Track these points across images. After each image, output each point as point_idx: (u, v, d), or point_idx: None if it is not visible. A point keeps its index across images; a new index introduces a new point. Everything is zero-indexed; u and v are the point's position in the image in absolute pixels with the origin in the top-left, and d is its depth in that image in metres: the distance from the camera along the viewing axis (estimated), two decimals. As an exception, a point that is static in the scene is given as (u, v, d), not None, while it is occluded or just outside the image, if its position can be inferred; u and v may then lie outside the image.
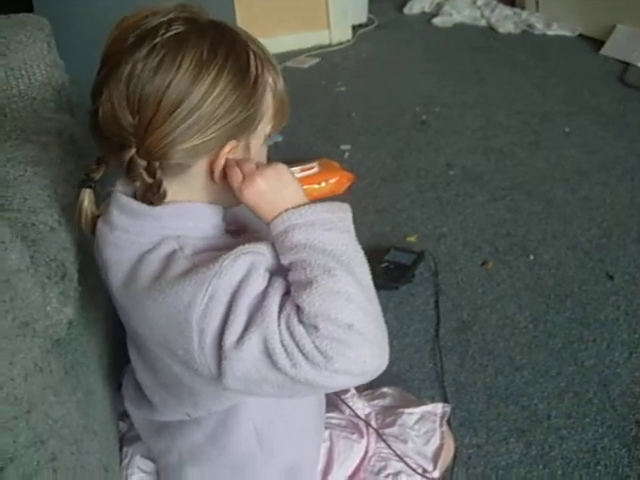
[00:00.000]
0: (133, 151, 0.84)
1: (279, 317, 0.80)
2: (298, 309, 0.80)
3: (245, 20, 2.86)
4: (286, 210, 0.85)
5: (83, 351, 1.06)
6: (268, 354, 0.79)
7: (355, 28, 4.12)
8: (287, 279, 0.85)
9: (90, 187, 0.95)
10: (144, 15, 0.85)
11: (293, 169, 2.38)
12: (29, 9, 2.61)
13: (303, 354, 0.78)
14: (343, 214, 0.88)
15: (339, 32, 4.03)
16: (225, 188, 0.89)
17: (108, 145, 0.87)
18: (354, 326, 0.79)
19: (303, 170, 2.43)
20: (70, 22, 2.53)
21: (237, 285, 0.82)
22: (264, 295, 0.82)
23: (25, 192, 1.03)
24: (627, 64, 3.33)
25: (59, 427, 0.87)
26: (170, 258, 0.86)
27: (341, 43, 4.01)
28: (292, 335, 0.78)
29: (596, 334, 1.76)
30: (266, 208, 0.87)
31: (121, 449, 1.17)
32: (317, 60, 3.80)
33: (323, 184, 2.43)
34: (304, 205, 0.86)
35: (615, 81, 3.21)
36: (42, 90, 1.45)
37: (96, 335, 1.16)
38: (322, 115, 3.13)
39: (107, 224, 0.92)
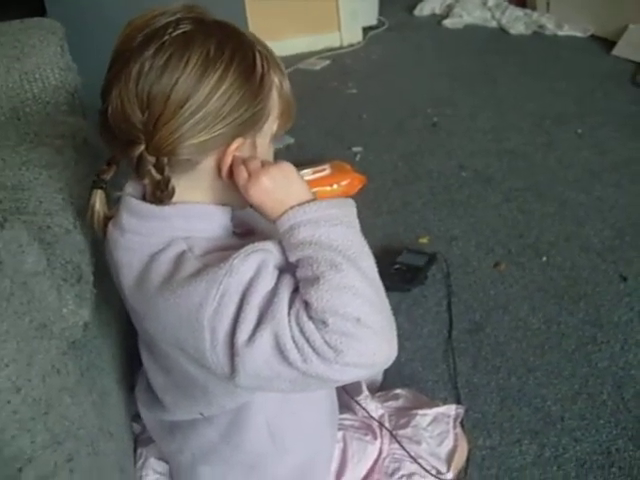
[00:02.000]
0: (142, 147, 0.86)
1: (289, 313, 0.81)
2: (307, 305, 0.81)
3: (256, 23, 2.86)
4: (291, 207, 0.86)
5: (98, 353, 1.07)
6: (279, 350, 0.80)
7: (365, 30, 4.11)
8: (295, 276, 0.85)
9: (101, 188, 0.96)
10: (152, 15, 0.87)
11: (305, 171, 2.38)
12: (42, 13, 2.62)
13: (313, 349, 0.79)
14: (347, 209, 0.89)
15: (350, 34, 4.02)
16: (232, 187, 0.89)
17: (118, 143, 0.88)
18: (362, 319, 0.80)
19: (315, 172, 2.42)
20: (82, 25, 2.54)
21: (248, 283, 0.83)
22: (274, 292, 0.83)
23: (40, 195, 1.04)
24: (639, 65, 3.31)
25: (75, 428, 0.87)
26: (180, 259, 0.87)
27: (352, 45, 4.01)
28: (302, 331, 0.79)
29: (610, 335, 1.75)
30: (272, 206, 0.87)
31: (135, 450, 1.18)
32: (328, 62, 3.80)
33: (335, 186, 2.43)
34: (309, 202, 0.86)
35: (627, 82, 3.19)
36: (56, 94, 1.46)
37: (110, 337, 1.17)
38: (333, 117, 3.12)
39: (117, 227, 0.93)
